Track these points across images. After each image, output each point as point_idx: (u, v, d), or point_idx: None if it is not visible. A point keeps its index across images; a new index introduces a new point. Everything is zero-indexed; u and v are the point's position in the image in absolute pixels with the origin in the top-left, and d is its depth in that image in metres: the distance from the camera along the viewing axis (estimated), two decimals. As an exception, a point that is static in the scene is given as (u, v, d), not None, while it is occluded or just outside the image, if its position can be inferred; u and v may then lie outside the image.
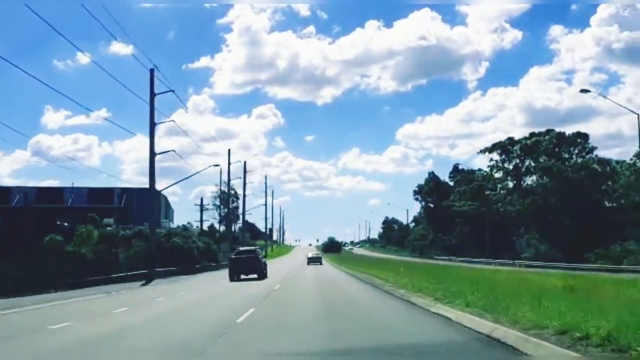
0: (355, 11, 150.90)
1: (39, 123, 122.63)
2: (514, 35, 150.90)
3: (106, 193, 55.45)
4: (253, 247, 40.32)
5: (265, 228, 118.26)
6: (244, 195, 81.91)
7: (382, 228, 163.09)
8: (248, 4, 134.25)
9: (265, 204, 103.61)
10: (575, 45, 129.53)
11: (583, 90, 43.00)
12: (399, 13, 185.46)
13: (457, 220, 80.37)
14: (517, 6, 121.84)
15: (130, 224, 44.41)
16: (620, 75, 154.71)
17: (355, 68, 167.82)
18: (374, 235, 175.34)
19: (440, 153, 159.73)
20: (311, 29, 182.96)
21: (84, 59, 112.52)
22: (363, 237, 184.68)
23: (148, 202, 39.03)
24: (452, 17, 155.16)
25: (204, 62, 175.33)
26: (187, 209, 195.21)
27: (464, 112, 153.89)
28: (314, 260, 61.67)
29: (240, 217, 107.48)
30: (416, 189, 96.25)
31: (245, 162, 75.80)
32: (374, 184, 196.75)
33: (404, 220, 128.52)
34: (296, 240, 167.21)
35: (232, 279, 29.50)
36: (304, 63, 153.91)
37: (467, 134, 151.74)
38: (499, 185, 76.56)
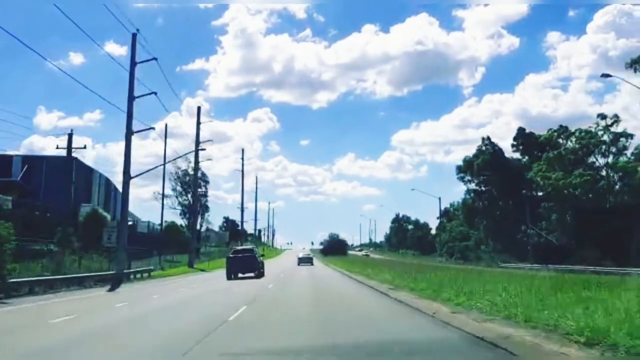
0: (352, 15, 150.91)
1: (31, 123, 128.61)
2: (511, 41, 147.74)
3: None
4: (251, 246, 41.07)
5: (253, 228, 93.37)
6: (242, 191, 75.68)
7: (391, 228, 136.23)
8: (243, 5, 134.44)
9: (256, 201, 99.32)
10: (572, 52, 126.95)
11: (604, 75, 37.89)
12: (396, 17, 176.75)
13: (545, 205, 53.09)
14: (515, 11, 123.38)
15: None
16: (617, 82, 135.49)
17: (351, 72, 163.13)
18: (378, 237, 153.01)
19: (435, 159, 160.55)
20: (307, 32, 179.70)
21: (76, 59, 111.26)
22: (364, 241, 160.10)
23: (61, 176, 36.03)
24: (449, 22, 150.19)
25: (198, 64, 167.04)
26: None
27: (460, 118, 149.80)
28: (304, 261, 59.42)
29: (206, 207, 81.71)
30: (461, 164, 67.84)
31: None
32: (369, 189, 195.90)
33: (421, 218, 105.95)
34: (288, 244, 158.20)
35: (229, 278, 29.88)
36: (299, 66, 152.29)
37: (463, 140, 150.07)
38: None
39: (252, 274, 30.39)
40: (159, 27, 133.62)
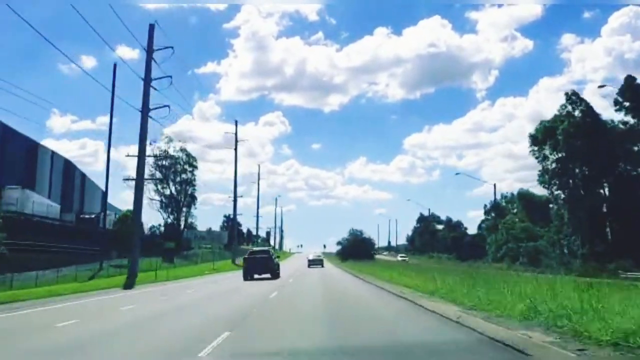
0: (365, 17, 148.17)
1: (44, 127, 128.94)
2: (525, 43, 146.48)
3: None
4: (266, 248, 45.93)
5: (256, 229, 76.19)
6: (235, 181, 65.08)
7: (414, 229, 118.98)
8: (255, 8, 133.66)
9: (258, 197, 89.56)
10: (587, 54, 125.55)
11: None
12: (409, 20, 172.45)
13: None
14: (529, 13, 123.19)
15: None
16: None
17: (363, 75, 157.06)
18: (400, 240, 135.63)
19: (447, 163, 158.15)
20: (319, 35, 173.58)
21: (88, 62, 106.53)
22: (382, 244, 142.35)
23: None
24: (462, 24, 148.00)
25: (210, 67, 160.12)
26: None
27: (472, 121, 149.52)
28: (315, 263, 59.57)
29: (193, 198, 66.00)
30: (535, 131, 49.05)
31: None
32: (381, 193, 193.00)
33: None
34: (298, 246, 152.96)
35: (245, 279, 30.37)
36: (311, 69, 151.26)
37: (475, 144, 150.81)
38: None
39: (268, 275, 31.25)
40: (171, 30, 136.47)
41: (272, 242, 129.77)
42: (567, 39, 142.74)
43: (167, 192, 66.83)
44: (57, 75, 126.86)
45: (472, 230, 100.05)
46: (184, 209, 67.75)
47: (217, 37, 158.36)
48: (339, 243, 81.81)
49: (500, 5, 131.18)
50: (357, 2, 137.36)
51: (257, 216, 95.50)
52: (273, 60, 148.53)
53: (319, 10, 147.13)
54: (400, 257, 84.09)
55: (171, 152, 66.11)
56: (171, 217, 66.51)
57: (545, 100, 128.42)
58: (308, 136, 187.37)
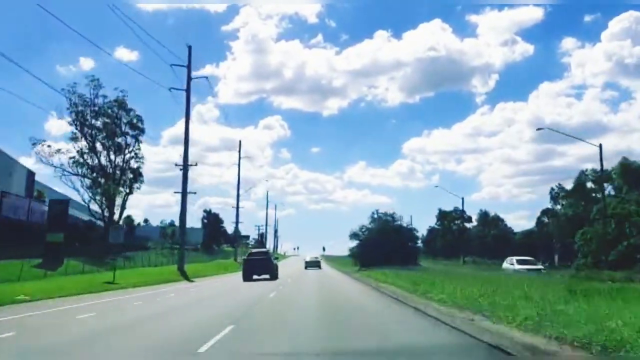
0: (364, 21, 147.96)
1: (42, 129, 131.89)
2: (525, 48, 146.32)
3: None
4: (265, 249, 46.80)
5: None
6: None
7: (429, 230, 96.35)
8: (254, 10, 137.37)
9: (238, 196, 71.22)
10: (587, 59, 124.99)
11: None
12: (409, 24, 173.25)
13: None
14: (529, 17, 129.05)
15: None
16: (632, 90, 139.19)
17: (363, 79, 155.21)
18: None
19: (446, 168, 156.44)
20: (319, 38, 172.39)
21: (86, 63, 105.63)
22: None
23: None
24: (462, 28, 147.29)
25: (208, 69, 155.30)
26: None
27: (471, 126, 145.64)
28: (312, 265, 56.36)
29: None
30: None
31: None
32: (380, 198, 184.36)
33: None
34: (294, 249, 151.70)
35: (245, 279, 31.04)
36: (310, 73, 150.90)
37: (474, 149, 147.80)
38: None
39: (267, 276, 31.90)
40: (169, 32, 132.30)
41: (267, 245, 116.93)
42: (568, 43, 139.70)
43: (95, 162, 44.25)
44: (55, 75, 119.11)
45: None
46: (123, 191, 45.10)
47: (216, 39, 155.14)
48: (354, 236, 48.41)
49: (501, 8, 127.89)
50: (357, 5, 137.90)
51: (237, 207, 72.16)
52: (272, 63, 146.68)
53: (319, 12, 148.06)
54: (530, 267, 35.90)
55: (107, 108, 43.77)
56: (99, 200, 43.85)
57: (545, 105, 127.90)
58: (307, 140, 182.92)
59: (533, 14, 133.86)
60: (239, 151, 69.68)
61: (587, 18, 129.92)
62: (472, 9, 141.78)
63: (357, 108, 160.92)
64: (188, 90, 40.66)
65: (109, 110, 44.83)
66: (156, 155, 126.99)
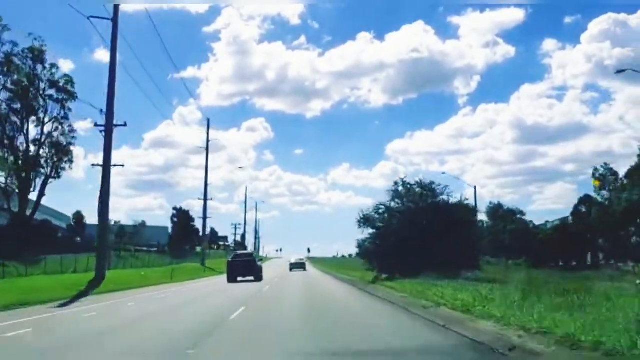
0: (348, 22, 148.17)
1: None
2: (506, 49, 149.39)
3: None
4: (250, 252, 48.37)
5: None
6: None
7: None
8: (237, 12, 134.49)
9: (205, 193, 63.42)
10: (567, 61, 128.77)
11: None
12: (392, 25, 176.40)
13: None
14: (511, 19, 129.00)
15: None
16: (612, 92, 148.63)
17: (346, 80, 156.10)
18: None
19: (429, 169, 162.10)
20: (302, 39, 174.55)
21: (65, 66, 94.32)
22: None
23: None
24: (445, 30, 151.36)
25: (190, 72, 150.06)
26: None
27: (454, 127, 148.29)
28: (297, 266, 57.94)
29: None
30: None
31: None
32: (364, 199, 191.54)
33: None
34: (277, 251, 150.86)
35: (229, 281, 32.28)
36: (293, 74, 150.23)
37: (457, 150, 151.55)
38: None
39: (251, 278, 32.73)
40: (149, 34, 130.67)
41: (249, 247, 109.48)
42: (549, 44, 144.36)
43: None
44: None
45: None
46: (44, 173, 32.48)
47: (198, 40, 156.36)
48: (365, 222, 30.57)
49: (482, 10, 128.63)
50: (339, 6, 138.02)
51: (205, 197, 61.82)
52: (255, 64, 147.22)
53: (301, 14, 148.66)
54: None
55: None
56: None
57: (527, 106, 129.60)
58: (290, 142, 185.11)
59: (514, 16, 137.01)
60: (207, 132, 65.22)
61: (568, 20, 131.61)
62: (454, 10, 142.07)
63: (340, 110, 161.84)
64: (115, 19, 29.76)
65: (21, 63, 32.37)
66: (138, 158, 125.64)
